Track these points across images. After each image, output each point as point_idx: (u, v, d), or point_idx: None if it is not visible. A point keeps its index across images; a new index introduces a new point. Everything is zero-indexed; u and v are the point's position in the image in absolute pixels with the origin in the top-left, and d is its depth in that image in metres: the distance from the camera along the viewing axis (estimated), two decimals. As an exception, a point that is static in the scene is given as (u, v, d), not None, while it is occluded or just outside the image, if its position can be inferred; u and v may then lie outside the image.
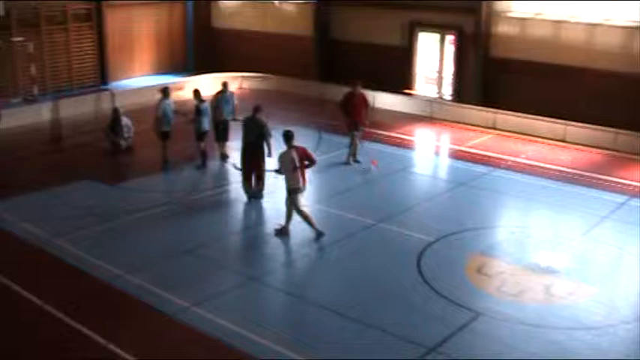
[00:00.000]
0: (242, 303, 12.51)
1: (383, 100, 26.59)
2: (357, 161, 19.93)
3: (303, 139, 18.79)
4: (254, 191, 17.07)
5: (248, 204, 17.00)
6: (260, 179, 16.99)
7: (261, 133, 16.60)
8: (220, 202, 17.48)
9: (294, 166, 14.39)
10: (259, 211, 16.76)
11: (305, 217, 14.78)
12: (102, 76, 29.51)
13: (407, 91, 27.15)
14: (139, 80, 29.56)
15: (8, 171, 19.47)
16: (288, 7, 30.93)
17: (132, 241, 14.87)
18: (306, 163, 14.63)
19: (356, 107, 19.55)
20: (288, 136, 14.68)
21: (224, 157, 20.16)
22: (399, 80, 27.20)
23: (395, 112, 26.02)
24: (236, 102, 20.43)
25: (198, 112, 19.17)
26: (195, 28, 33.15)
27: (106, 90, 24.93)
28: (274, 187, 17.11)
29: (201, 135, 19.41)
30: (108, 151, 20.64)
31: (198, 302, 12.20)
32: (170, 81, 27.89)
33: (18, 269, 13.49)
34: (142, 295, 12.53)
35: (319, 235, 14.80)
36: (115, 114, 20.92)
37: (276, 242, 15.05)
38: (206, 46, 32.95)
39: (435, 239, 14.87)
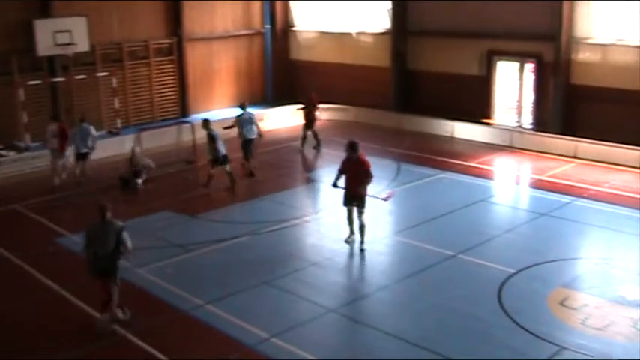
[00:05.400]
0: (321, 334, 12.49)
1: (462, 131, 26.44)
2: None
3: (382, 170, 18.84)
4: (102, 323, 12.54)
5: (326, 235, 17.02)
6: (106, 303, 12.54)
7: (118, 241, 12.25)
8: (297, 233, 17.55)
9: None
10: (335, 242, 16.51)
11: None
12: (182, 108, 30.12)
13: (486, 120, 26.90)
14: (218, 113, 29.96)
15: (92, 202, 19.90)
16: (366, 39, 31.05)
17: (212, 272, 15.03)
18: None
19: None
20: None
21: (252, 174, 21.62)
22: (478, 110, 26.97)
23: (474, 142, 25.81)
24: (258, 121, 22.27)
25: (212, 139, 20.36)
26: (274, 61, 33.55)
27: (187, 122, 25.42)
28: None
29: (224, 159, 20.56)
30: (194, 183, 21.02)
31: (277, 333, 12.22)
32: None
33: (101, 299, 13.70)
34: (222, 325, 12.63)
35: None
36: (132, 155, 21.63)
37: (354, 274, 15.05)
38: (284, 78, 33.33)
39: (516, 271, 14.60)
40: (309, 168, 23.87)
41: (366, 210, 15.83)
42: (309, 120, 24.89)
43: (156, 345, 11.93)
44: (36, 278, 14.79)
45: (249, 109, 22.66)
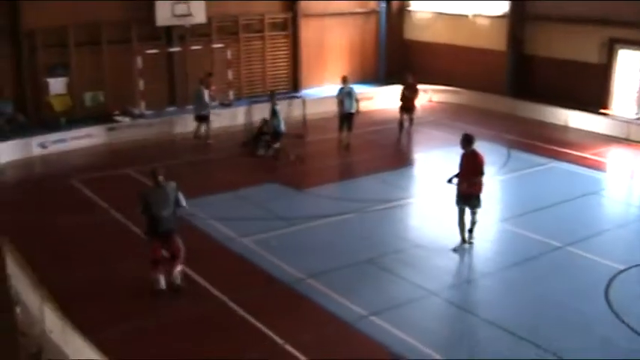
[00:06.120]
0: (420, 317, 12.40)
1: (576, 120, 25.68)
2: None
3: (492, 155, 18.52)
4: (174, 285, 12.97)
5: (430, 218, 16.84)
6: (177, 258, 12.95)
7: (177, 202, 12.76)
8: (401, 214, 17.44)
9: None
10: (438, 226, 16.27)
11: None
12: (294, 83, 30.33)
13: (602, 110, 26.03)
14: (329, 89, 29.98)
15: (202, 170, 20.39)
16: (482, 21, 30.46)
17: (315, 246, 15.14)
18: None
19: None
20: None
21: (347, 146, 22.13)
22: (595, 99, 26.11)
23: (589, 132, 24.99)
24: (358, 96, 22.55)
25: (273, 113, 21.02)
26: (388, 40, 33.32)
27: (298, 97, 25.61)
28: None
29: (276, 135, 21.12)
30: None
31: (376, 312, 12.22)
32: (360, 91, 28.37)
33: (204, 265, 13.95)
34: (321, 300, 12.71)
35: None
36: (265, 123, 22.18)
37: (458, 258, 14.83)
38: (397, 58, 33.00)
39: (626, 268, 14.09)
40: (413, 149, 23.74)
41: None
42: (409, 106, 24.19)
43: (253, 313, 12.10)
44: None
45: (355, 85, 22.87)
